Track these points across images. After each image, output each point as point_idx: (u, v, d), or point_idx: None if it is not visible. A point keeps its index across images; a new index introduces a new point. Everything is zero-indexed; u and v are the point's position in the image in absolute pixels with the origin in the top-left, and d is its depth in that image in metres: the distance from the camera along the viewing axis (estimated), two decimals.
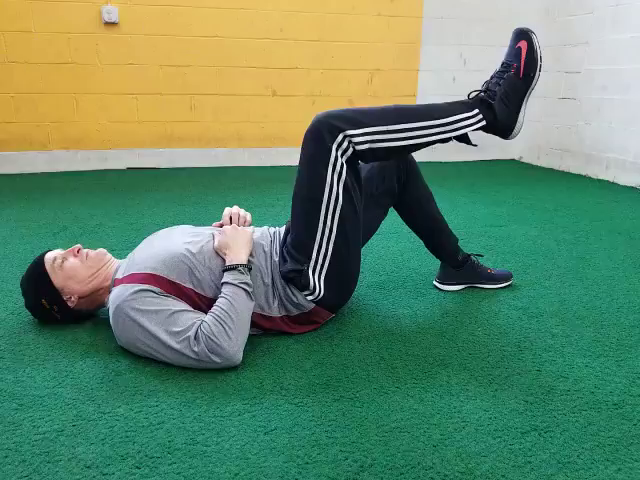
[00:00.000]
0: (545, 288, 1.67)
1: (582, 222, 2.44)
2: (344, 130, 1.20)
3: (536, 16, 4.00)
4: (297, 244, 1.29)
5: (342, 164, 1.22)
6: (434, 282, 1.68)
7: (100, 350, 1.26)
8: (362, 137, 1.20)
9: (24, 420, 1.01)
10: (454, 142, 1.30)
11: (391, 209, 1.61)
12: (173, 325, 1.15)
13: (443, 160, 4.19)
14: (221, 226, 1.43)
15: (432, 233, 1.59)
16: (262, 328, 1.31)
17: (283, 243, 1.34)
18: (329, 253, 1.28)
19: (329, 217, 1.25)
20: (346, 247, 1.30)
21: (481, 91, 1.25)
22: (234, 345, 1.15)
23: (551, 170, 3.90)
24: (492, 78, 1.26)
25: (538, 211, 2.64)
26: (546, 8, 3.91)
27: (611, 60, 3.36)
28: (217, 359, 1.14)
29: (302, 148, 1.26)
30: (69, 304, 1.32)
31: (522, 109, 1.24)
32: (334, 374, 1.18)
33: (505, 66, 1.26)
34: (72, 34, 3.30)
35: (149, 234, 1.45)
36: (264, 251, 1.32)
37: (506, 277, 1.68)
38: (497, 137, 1.32)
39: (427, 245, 1.63)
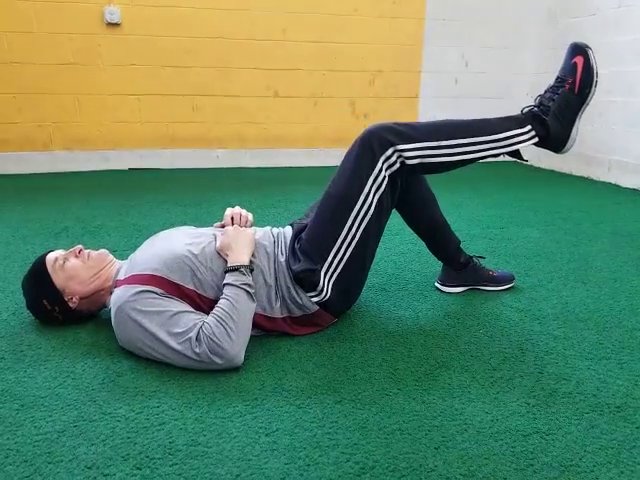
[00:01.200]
0: (547, 290, 1.67)
1: (584, 224, 2.44)
2: (395, 144, 1.21)
3: (538, 18, 3.99)
4: (316, 242, 1.28)
5: (384, 177, 1.23)
6: (436, 284, 1.68)
7: (101, 351, 1.26)
8: (414, 152, 1.21)
9: (25, 420, 1.01)
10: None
11: (394, 210, 1.61)
12: (175, 326, 1.15)
13: None
14: (223, 227, 1.42)
15: (434, 235, 1.58)
16: (264, 329, 1.31)
17: (294, 240, 1.34)
18: (345, 259, 1.28)
19: (355, 224, 1.26)
20: (362, 256, 1.30)
21: (534, 106, 1.24)
22: (236, 346, 1.15)
23: (553, 172, 3.89)
24: (545, 92, 1.25)
25: (540, 213, 2.63)
26: (548, 10, 3.91)
27: (614, 62, 3.36)
28: (218, 360, 1.14)
29: (348, 153, 1.26)
30: (70, 305, 1.32)
31: (576, 124, 1.23)
32: (336, 376, 1.17)
33: (559, 81, 1.24)
34: (74, 35, 3.30)
35: (151, 235, 1.45)
36: (266, 252, 1.32)
37: (508, 279, 1.67)
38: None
39: (429, 247, 1.63)
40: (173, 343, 1.14)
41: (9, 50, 3.23)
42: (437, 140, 1.22)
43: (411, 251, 2.03)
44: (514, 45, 4.07)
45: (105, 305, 1.35)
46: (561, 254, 2.01)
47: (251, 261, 1.28)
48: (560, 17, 3.80)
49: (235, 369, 1.17)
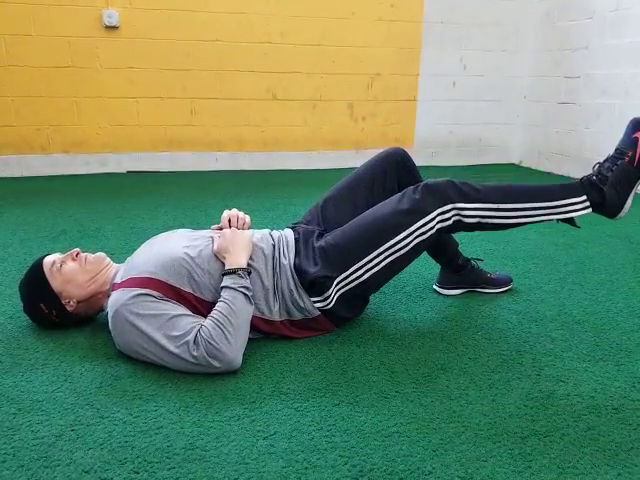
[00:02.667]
0: (545, 292, 1.67)
1: (582, 226, 2.44)
2: (456, 202, 1.25)
3: (536, 21, 4.01)
4: (342, 252, 1.29)
5: (432, 228, 1.27)
6: (434, 286, 1.68)
7: (99, 354, 1.26)
8: (473, 211, 1.26)
9: (22, 425, 1.01)
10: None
11: None
12: (172, 329, 1.15)
13: (443, 164, 4.19)
14: (220, 229, 1.42)
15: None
16: (262, 332, 1.31)
17: (307, 240, 1.34)
18: (361, 279, 1.29)
19: (385, 254, 1.28)
20: (376, 283, 1.33)
21: (593, 175, 1.28)
22: (233, 349, 1.15)
23: (551, 174, 3.90)
24: (605, 162, 1.29)
25: None
26: (546, 13, 3.93)
27: (611, 65, 3.37)
28: (216, 363, 1.14)
29: (410, 191, 1.29)
30: (68, 308, 1.31)
31: (631, 195, 1.28)
32: (334, 379, 1.17)
33: (619, 153, 1.29)
34: (72, 37, 3.31)
35: (148, 238, 1.45)
36: (264, 254, 1.32)
37: (506, 281, 1.68)
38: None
39: (427, 249, 1.63)
40: (171, 346, 1.14)
41: (7, 53, 3.23)
42: (497, 203, 1.26)
43: None
44: (512, 48, 4.09)
45: (102, 308, 1.35)
46: (559, 256, 2.02)
47: (249, 264, 1.28)
48: (558, 20, 3.82)
49: (233, 372, 1.17)
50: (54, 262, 1.30)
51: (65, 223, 2.38)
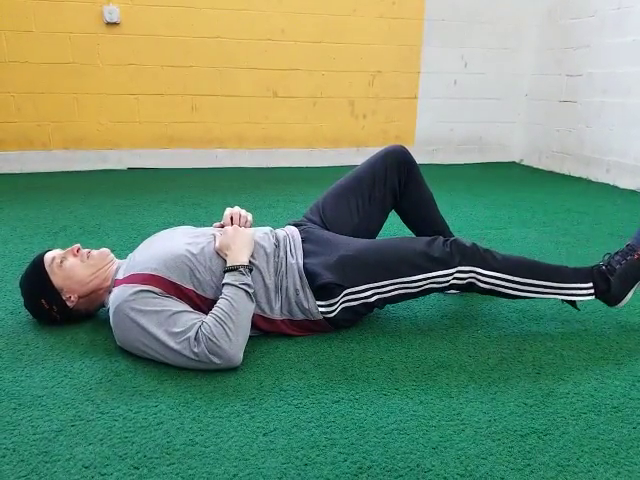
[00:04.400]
0: None
1: (582, 225, 2.44)
2: (476, 267, 1.30)
3: (538, 19, 4.00)
4: (358, 267, 1.30)
5: (447, 282, 1.31)
6: None
7: (99, 350, 1.26)
8: (490, 279, 1.31)
9: (23, 420, 1.01)
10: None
11: (392, 211, 1.61)
12: (173, 326, 1.15)
13: (444, 162, 4.19)
14: (222, 227, 1.42)
15: (433, 235, 1.58)
16: (262, 330, 1.31)
17: (318, 240, 1.36)
18: (368, 300, 1.31)
19: (397, 286, 1.30)
20: (378, 305, 1.34)
21: (603, 265, 1.36)
22: (234, 346, 1.15)
23: (552, 173, 3.90)
24: (615, 255, 1.37)
25: (538, 214, 2.64)
26: (548, 11, 3.92)
27: (612, 63, 3.36)
28: (217, 360, 1.14)
29: (441, 242, 1.32)
30: (68, 304, 1.32)
31: (633, 289, 1.36)
32: (333, 375, 1.17)
33: (630, 249, 1.37)
34: (73, 34, 3.30)
35: (149, 235, 1.45)
36: (266, 253, 1.32)
37: None
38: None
39: None
40: (171, 343, 1.14)
41: (8, 49, 3.23)
42: (513, 275, 1.31)
43: None
44: (513, 46, 4.08)
45: (104, 304, 1.35)
46: (559, 255, 2.02)
47: (250, 261, 1.28)
48: (559, 18, 3.81)
49: (233, 369, 1.17)
50: (54, 258, 1.30)
51: (65, 219, 2.38)
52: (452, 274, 1.30)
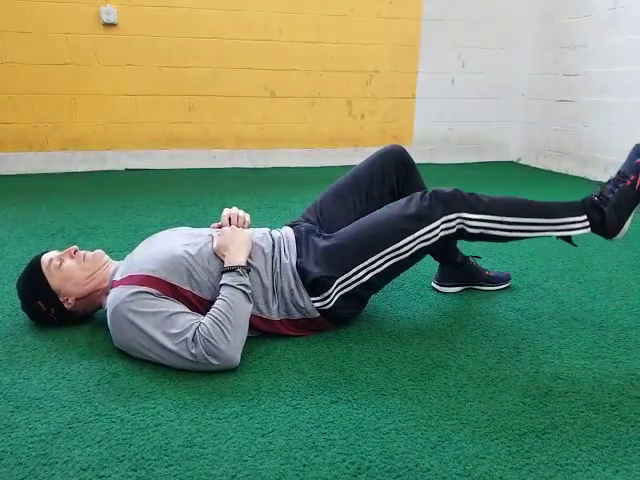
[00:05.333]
0: (543, 290, 1.67)
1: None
2: (461, 212, 1.27)
3: (535, 18, 4.00)
4: (343, 253, 1.29)
5: (436, 235, 1.28)
6: (432, 284, 1.68)
7: (97, 352, 1.26)
8: (478, 222, 1.27)
9: (20, 422, 1.00)
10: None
11: None
12: (171, 327, 1.15)
13: (441, 162, 4.19)
14: (220, 227, 1.42)
15: None
16: (260, 331, 1.31)
17: (306, 240, 1.34)
18: (361, 281, 1.30)
19: (387, 257, 1.28)
20: (375, 285, 1.33)
21: (595, 195, 1.31)
22: (232, 347, 1.15)
23: (549, 172, 3.90)
24: (607, 184, 1.32)
25: None
26: (545, 11, 3.92)
27: (609, 62, 3.37)
28: (215, 361, 1.14)
29: (415, 197, 1.30)
30: (66, 306, 1.31)
31: (630, 218, 1.30)
32: (332, 376, 1.17)
33: (621, 176, 1.31)
34: (70, 35, 3.30)
35: (147, 235, 1.45)
36: (264, 253, 1.32)
37: (504, 279, 1.68)
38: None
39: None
40: (169, 344, 1.14)
41: (5, 50, 3.22)
42: (501, 215, 1.28)
43: None
44: (511, 46, 4.08)
45: (101, 306, 1.35)
46: (557, 254, 2.02)
47: (248, 262, 1.28)
48: (556, 17, 3.81)
49: (231, 370, 1.17)
50: (52, 260, 1.30)
51: (63, 221, 2.38)
52: (438, 227, 1.27)
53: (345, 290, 1.30)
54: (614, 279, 1.77)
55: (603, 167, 3.47)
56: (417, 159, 1.89)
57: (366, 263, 1.29)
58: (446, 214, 1.27)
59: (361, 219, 1.36)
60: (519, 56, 4.11)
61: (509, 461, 0.92)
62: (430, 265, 1.85)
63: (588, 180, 3.55)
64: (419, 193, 1.31)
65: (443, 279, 1.65)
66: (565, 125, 3.79)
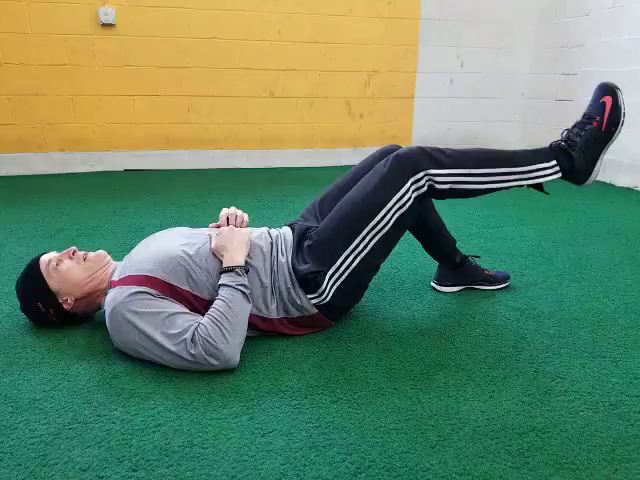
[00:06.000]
0: (542, 289, 1.68)
1: (579, 223, 2.45)
2: (428, 168, 1.24)
3: (533, 18, 4.01)
4: (327, 245, 1.29)
5: (410, 198, 1.26)
6: (432, 283, 1.68)
7: (96, 353, 1.26)
8: (445, 177, 1.25)
9: (20, 423, 1.00)
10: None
11: None
12: (170, 327, 1.15)
13: None
14: (218, 227, 1.42)
15: (430, 234, 1.59)
16: (260, 330, 1.31)
17: (300, 240, 1.34)
18: (352, 267, 1.29)
19: (369, 236, 1.27)
20: (369, 268, 1.32)
21: (562, 140, 1.28)
22: (231, 347, 1.15)
23: None
24: (573, 128, 1.29)
25: (535, 212, 2.64)
26: (543, 10, 3.92)
27: (607, 62, 3.37)
28: (214, 361, 1.14)
29: (377, 168, 1.28)
30: (65, 307, 1.31)
31: (600, 160, 1.28)
32: (332, 376, 1.17)
33: (587, 118, 1.29)
34: (69, 35, 3.29)
35: (146, 236, 1.45)
36: (262, 252, 1.32)
37: (503, 278, 1.68)
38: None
39: (425, 246, 1.63)
40: (168, 344, 1.14)
41: (3, 51, 3.22)
42: (468, 168, 1.25)
43: (407, 251, 2.03)
44: (509, 45, 4.08)
45: (100, 306, 1.35)
46: (556, 253, 2.02)
47: (246, 262, 1.28)
48: (555, 17, 3.81)
49: (231, 370, 1.17)
50: (50, 260, 1.30)
51: (62, 221, 2.37)
52: (408, 189, 1.24)
53: (339, 281, 1.29)
54: (613, 278, 1.77)
55: (602, 166, 3.47)
56: None
57: (350, 248, 1.27)
58: (413, 174, 1.24)
59: (335, 208, 1.34)
60: (518, 56, 4.12)
61: (509, 460, 0.92)
62: (429, 265, 1.86)
63: None
64: (382, 161, 1.28)
65: (442, 279, 1.65)
66: (564, 125, 3.78)
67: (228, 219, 1.44)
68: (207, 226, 1.46)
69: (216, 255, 1.27)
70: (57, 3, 3.22)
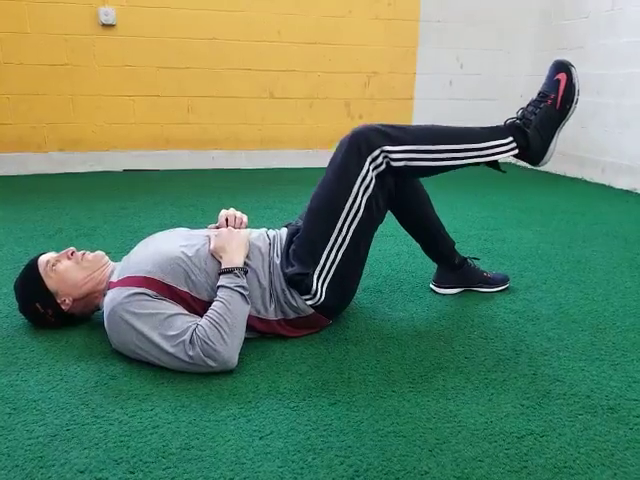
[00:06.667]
0: (541, 291, 1.68)
1: (578, 225, 2.45)
2: (382, 145, 1.22)
3: (532, 20, 4.01)
4: (307, 246, 1.28)
5: (372, 178, 1.24)
6: (431, 285, 1.68)
7: (94, 354, 1.26)
8: (400, 154, 1.23)
9: (17, 424, 1.00)
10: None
11: (388, 212, 1.61)
12: (168, 329, 1.14)
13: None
14: (217, 228, 1.42)
15: (428, 236, 1.59)
16: (258, 331, 1.31)
17: (288, 244, 1.34)
18: (337, 261, 1.28)
19: (345, 227, 1.26)
20: (354, 259, 1.30)
21: (517, 118, 1.27)
22: (229, 349, 1.15)
23: (547, 173, 3.91)
24: (528, 106, 1.28)
25: (534, 214, 2.64)
26: (542, 12, 3.93)
27: (606, 64, 3.38)
28: (212, 363, 1.13)
29: (335, 154, 1.27)
30: (63, 307, 1.31)
31: (555, 139, 1.27)
32: (330, 378, 1.17)
33: (542, 96, 1.28)
34: (69, 35, 3.29)
35: (145, 237, 1.45)
36: (261, 253, 1.32)
37: (502, 280, 1.68)
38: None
39: (424, 248, 1.63)
40: (166, 346, 1.14)
41: (3, 50, 3.21)
42: (423, 144, 1.24)
43: (405, 252, 2.03)
44: (509, 47, 4.09)
45: (98, 307, 1.35)
46: (555, 255, 2.02)
47: (245, 263, 1.28)
48: (554, 19, 3.82)
49: (229, 372, 1.17)
50: (49, 261, 1.30)
51: (61, 222, 2.37)
52: (368, 169, 1.22)
53: (328, 279, 1.29)
54: (612, 281, 1.77)
55: (601, 168, 3.48)
56: None
57: (330, 245, 1.26)
58: (369, 153, 1.22)
59: (307, 207, 1.32)
60: (517, 57, 4.12)
61: (507, 464, 0.92)
62: (428, 267, 1.86)
63: (586, 181, 3.56)
64: (337, 147, 1.25)
65: (441, 281, 1.65)
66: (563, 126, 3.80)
67: (227, 220, 1.44)
68: (206, 227, 1.46)
69: (215, 256, 1.27)
70: (57, 3, 3.22)
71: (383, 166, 1.25)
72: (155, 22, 3.40)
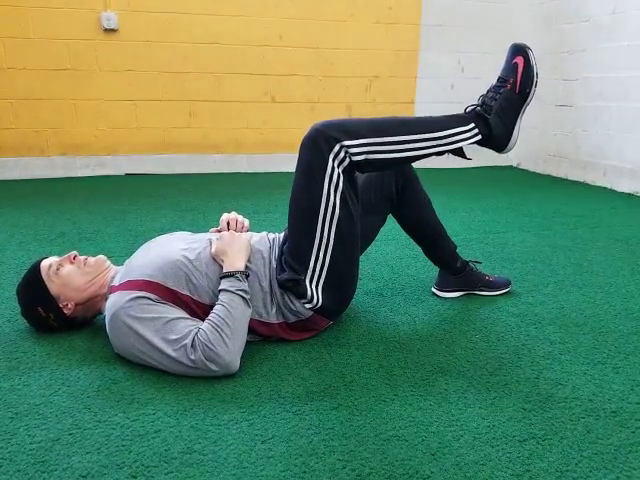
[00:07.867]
0: (543, 295, 1.67)
1: (580, 229, 2.45)
2: (341, 140, 1.20)
3: (533, 24, 4.02)
4: (294, 253, 1.28)
5: (339, 174, 1.23)
6: (432, 289, 1.68)
7: (96, 358, 1.26)
8: (359, 148, 1.21)
9: (19, 429, 1.00)
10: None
11: (389, 216, 1.61)
12: (170, 333, 1.14)
13: (441, 166, 4.19)
14: (219, 232, 1.42)
15: (430, 240, 1.59)
16: (260, 334, 1.31)
17: (281, 250, 1.34)
18: (326, 263, 1.27)
19: (326, 227, 1.25)
20: (344, 256, 1.29)
21: (477, 105, 1.26)
22: (231, 353, 1.15)
23: (549, 177, 3.91)
24: (488, 92, 1.28)
25: (536, 218, 2.64)
26: (543, 16, 3.94)
27: (608, 67, 3.38)
28: (214, 367, 1.13)
29: (299, 157, 1.26)
30: (65, 311, 1.31)
31: (517, 124, 1.25)
32: (332, 382, 1.17)
33: (501, 81, 1.27)
34: (71, 40, 3.31)
35: (147, 240, 1.45)
36: (262, 257, 1.32)
37: (504, 284, 1.68)
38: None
39: (425, 252, 1.63)
40: (168, 350, 1.14)
41: (6, 55, 3.23)
42: (382, 136, 1.21)
43: (407, 256, 2.03)
44: None
45: (100, 311, 1.35)
46: (557, 259, 2.02)
47: (247, 266, 1.28)
48: (555, 23, 3.83)
49: (231, 376, 1.17)
50: (51, 265, 1.30)
51: (63, 226, 2.38)
52: (333, 166, 1.20)
53: (321, 282, 1.28)
54: (614, 284, 1.77)
55: (602, 171, 3.47)
56: (416, 164, 1.89)
57: (315, 247, 1.25)
58: (330, 149, 1.20)
59: (290, 202, 1.30)
60: None
61: (509, 468, 0.92)
62: (430, 271, 1.85)
63: (587, 185, 3.56)
64: (300, 144, 1.23)
65: (443, 284, 1.65)
66: (564, 130, 3.80)
67: (229, 224, 1.45)
68: (208, 231, 1.46)
69: (216, 260, 1.27)
70: (60, 8, 3.24)
71: (347, 161, 1.22)
72: (157, 27, 3.42)
